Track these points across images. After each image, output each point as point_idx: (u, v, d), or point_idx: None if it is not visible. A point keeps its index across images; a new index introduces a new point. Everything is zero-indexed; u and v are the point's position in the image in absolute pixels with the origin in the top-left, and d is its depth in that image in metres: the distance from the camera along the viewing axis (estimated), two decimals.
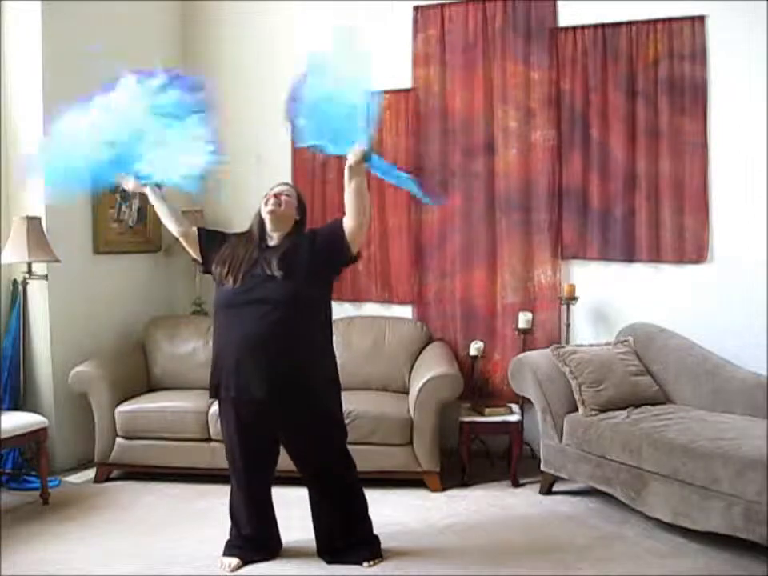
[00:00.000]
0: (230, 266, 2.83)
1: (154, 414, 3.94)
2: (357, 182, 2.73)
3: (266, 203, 2.87)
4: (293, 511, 3.22)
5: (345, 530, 2.96)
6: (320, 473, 2.93)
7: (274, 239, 2.89)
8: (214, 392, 2.88)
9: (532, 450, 4.22)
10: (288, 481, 3.17)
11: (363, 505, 2.99)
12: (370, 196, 2.86)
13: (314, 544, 2.98)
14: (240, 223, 4.92)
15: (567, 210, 4.32)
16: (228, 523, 3.01)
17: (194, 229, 3.06)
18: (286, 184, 3.02)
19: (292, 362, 2.73)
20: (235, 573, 2.88)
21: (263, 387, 2.70)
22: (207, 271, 3.01)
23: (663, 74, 4.10)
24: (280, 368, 2.71)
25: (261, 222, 2.91)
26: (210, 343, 4.37)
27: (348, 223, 2.79)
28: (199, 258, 3.03)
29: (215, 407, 3.90)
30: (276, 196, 2.87)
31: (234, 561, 2.92)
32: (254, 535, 2.97)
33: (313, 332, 2.82)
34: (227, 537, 3.01)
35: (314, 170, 4.76)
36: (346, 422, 3.69)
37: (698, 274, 4.11)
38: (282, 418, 2.82)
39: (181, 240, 3.06)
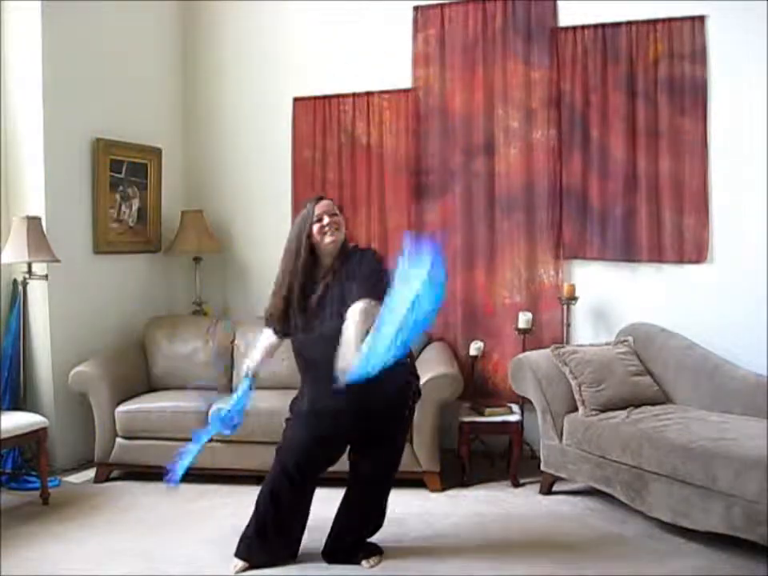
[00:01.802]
0: (295, 316, 2.77)
1: (154, 414, 3.94)
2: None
3: (322, 233, 2.72)
4: None
5: (355, 532, 2.96)
6: (381, 476, 2.94)
7: (326, 262, 2.78)
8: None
9: (532, 450, 4.22)
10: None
11: (385, 511, 3.02)
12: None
13: (313, 544, 2.98)
14: (241, 224, 4.97)
15: (567, 209, 4.31)
16: (227, 524, 2.99)
17: (268, 333, 2.96)
18: (320, 198, 2.84)
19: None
20: (241, 574, 2.88)
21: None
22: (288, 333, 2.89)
23: (663, 74, 4.10)
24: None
25: (309, 247, 2.76)
26: (210, 343, 4.42)
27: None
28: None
29: (215, 407, 3.90)
30: (330, 224, 2.72)
31: (240, 563, 2.89)
32: (281, 543, 2.92)
33: None
34: (228, 537, 2.99)
35: (313, 170, 4.76)
36: None
37: (697, 274, 4.10)
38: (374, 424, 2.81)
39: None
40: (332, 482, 3.07)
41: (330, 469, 2.90)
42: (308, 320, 2.75)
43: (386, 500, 3.00)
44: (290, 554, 2.96)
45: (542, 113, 4.34)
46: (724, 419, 3.32)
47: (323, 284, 2.75)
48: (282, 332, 2.91)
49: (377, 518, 3.00)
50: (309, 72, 4.81)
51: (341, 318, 2.55)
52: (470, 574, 2.85)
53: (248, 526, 2.92)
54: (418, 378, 2.97)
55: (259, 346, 2.99)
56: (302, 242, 2.76)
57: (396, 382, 2.78)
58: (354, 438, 2.87)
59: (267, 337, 2.97)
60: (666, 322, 3.97)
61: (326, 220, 2.74)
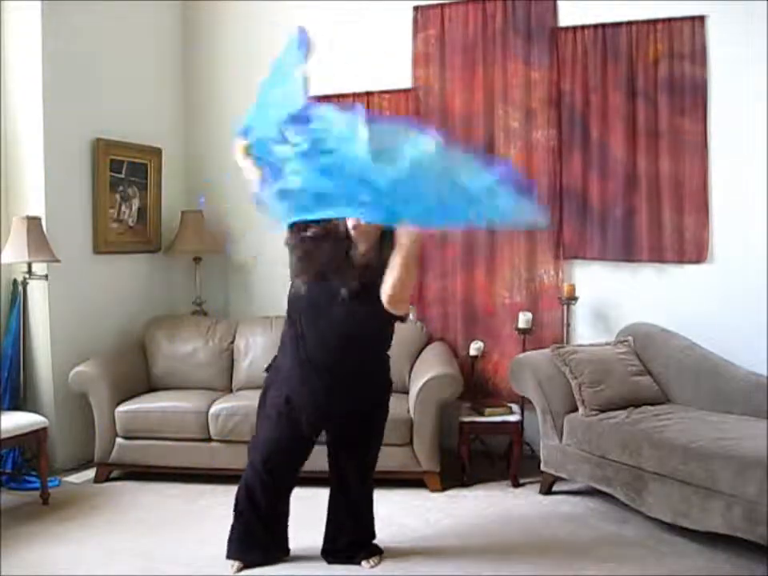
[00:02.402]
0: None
1: (154, 414, 3.94)
2: (406, 256, 2.45)
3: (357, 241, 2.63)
4: (291, 511, 3.21)
5: (351, 532, 2.97)
6: (362, 475, 2.95)
7: (359, 248, 2.65)
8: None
9: (532, 450, 4.21)
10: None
11: (372, 508, 3.02)
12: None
13: (314, 544, 2.99)
14: (241, 224, 4.96)
15: (567, 210, 4.31)
16: (226, 524, 2.99)
17: None
18: None
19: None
20: (238, 574, 2.89)
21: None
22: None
23: (663, 74, 4.10)
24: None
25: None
26: (210, 343, 4.42)
27: (384, 294, 2.52)
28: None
29: (215, 407, 3.91)
30: (358, 233, 2.61)
31: (237, 563, 2.91)
32: (269, 540, 2.95)
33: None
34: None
35: None
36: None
37: (698, 274, 4.10)
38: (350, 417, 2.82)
39: None
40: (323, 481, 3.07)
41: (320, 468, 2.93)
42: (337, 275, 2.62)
43: (370, 497, 2.99)
44: (280, 549, 2.98)
45: (541, 113, 4.34)
46: (724, 419, 3.32)
47: (351, 254, 2.63)
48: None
49: (367, 515, 3.00)
50: (309, 72, 4.79)
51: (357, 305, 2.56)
52: (470, 574, 2.85)
53: (232, 527, 2.94)
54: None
55: None
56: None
57: (377, 380, 2.82)
58: (330, 438, 2.89)
59: None
60: (665, 322, 3.97)
61: (352, 234, 2.64)
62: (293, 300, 2.76)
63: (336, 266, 2.64)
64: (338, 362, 2.68)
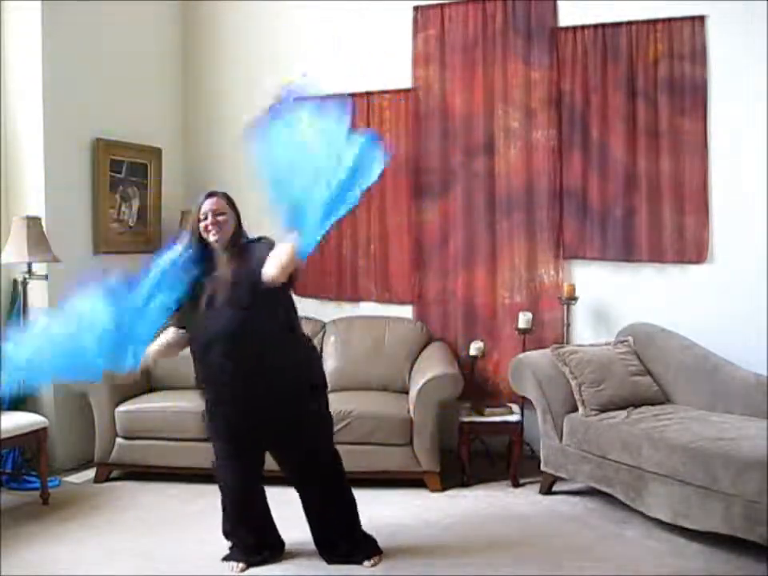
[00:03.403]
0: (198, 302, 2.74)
1: (154, 414, 3.94)
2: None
3: (206, 231, 2.74)
4: (291, 511, 3.21)
5: (339, 526, 2.96)
6: (305, 464, 2.92)
7: (218, 250, 2.78)
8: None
9: (532, 450, 4.21)
10: (285, 481, 3.17)
11: (351, 500, 2.98)
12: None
13: (314, 544, 2.98)
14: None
15: (567, 209, 4.31)
16: None
17: (171, 330, 2.87)
18: (212, 194, 2.82)
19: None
20: (240, 574, 2.89)
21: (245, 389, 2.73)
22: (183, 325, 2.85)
23: (663, 74, 4.10)
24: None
25: (200, 241, 2.78)
26: None
27: (266, 274, 2.57)
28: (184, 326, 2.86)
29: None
30: (213, 224, 2.73)
31: (241, 564, 2.92)
32: (258, 542, 2.97)
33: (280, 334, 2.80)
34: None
35: None
36: (347, 421, 3.72)
37: (697, 274, 4.10)
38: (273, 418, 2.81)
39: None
40: None
41: None
42: (207, 307, 2.70)
43: (339, 493, 2.95)
44: (276, 545, 3.01)
45: (541, 113, 4.34)
46: (724, 419, 3.32)
47: (219, 275, 2.74)
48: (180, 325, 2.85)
49: (343, 512, 2.95)
50: (309, 72, 4.80)
51: (239, 304, 2.65)
52: (469, 574, 2.85)
53: (223, 530, 2.99)
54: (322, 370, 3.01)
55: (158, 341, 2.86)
56: (193, 236, 2.79)
57: (294, 372, 2.78)
58: (263, 437, 2.86)
59: (167, 333, 2.87)
60: (666, 322, 3.97)
61: (210, 219, 2.74)
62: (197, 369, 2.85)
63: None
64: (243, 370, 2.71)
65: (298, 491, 2.96)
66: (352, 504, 2.97)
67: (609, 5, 4.18)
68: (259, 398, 2.73)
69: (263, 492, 3.00)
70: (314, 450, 2.89)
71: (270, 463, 2.96)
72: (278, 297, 2.73)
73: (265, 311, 2.69)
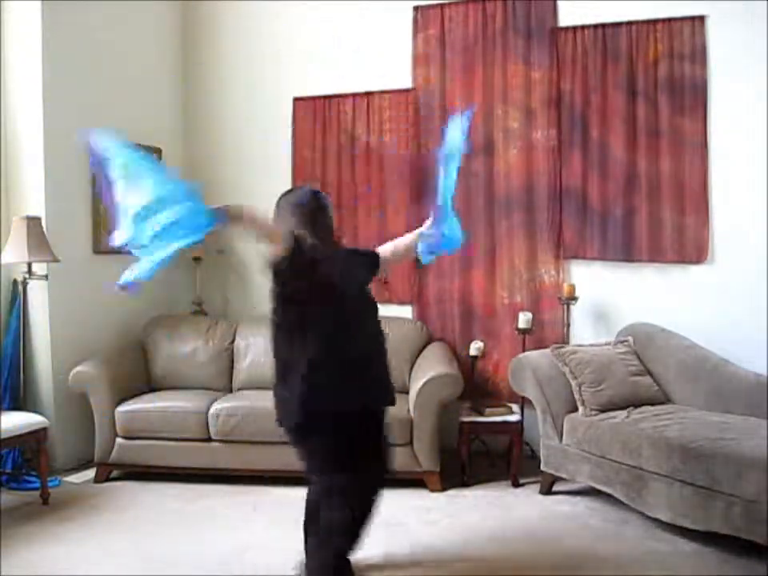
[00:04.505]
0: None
1: (154, 414, 3.94)
2: None
3: None
4: (293, 512, 3.21)
5: None
6: None
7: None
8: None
9: (532, 450, 4.22)
10: (288, 481, 3.18)
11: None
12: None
13: None
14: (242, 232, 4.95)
15: (567, 210, 4.31)
16: (226, 524, 2.98)
17: None
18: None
19: None
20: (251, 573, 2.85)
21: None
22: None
23: (663, 74, 4.10)
24: None
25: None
26: (210, 343, 4.43)
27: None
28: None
29: (215, 407, 3.91)
30: None
31: None
32: None
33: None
34: (228, 537, 2.97)
35: (313, 170, 4.75)
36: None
37: (698, 274, 4.11)
38: None
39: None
40: None
41: None
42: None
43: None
44: None
45: (541, 113, 4.34)
46: (724, 419, 3.32)
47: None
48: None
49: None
50: (309, 72, 4.81)
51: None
52: (469, 574, 2.85)
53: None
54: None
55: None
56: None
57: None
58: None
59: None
60: (666, 322, 3.97)
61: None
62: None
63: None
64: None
65: None
66: None
67: (609, 5, 4.18)
68: None
69: None
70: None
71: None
72: None
73: None
